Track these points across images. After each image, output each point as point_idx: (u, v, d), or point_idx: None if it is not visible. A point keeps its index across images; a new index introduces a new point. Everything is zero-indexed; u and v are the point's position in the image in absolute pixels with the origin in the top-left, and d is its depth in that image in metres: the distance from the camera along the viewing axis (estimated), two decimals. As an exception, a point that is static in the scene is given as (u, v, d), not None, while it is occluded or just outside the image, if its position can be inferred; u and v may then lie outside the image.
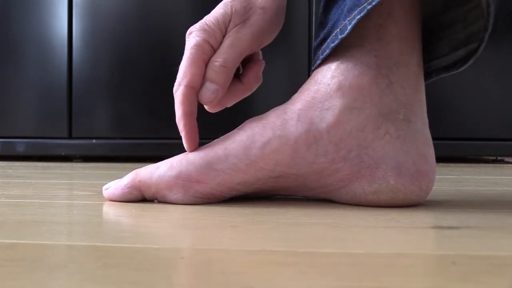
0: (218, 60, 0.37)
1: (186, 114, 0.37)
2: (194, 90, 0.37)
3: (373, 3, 0.33)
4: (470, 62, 0.37)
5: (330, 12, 0.37)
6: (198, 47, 0.37)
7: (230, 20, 0.37)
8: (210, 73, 0.37)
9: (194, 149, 0.37)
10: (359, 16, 0.33)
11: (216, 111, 0.41)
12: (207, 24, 0.37)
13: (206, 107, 0.40)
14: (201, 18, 0.40)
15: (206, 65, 0.37)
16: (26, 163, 0.88)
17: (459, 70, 0.38)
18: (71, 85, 0.97)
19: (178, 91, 0.37)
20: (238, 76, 0.41)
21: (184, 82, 0.37)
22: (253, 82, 0.40)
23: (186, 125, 0.37)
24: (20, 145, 0.96)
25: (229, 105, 0.41)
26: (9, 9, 0.96)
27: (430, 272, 0.20)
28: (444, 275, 0.19)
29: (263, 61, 0.41)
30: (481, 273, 0.19)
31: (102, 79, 0.97)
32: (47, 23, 0.96)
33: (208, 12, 0.40)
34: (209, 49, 0.37)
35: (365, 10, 0.33)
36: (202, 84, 0.37)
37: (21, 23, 0.96)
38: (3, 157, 0.98)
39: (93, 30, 0.96)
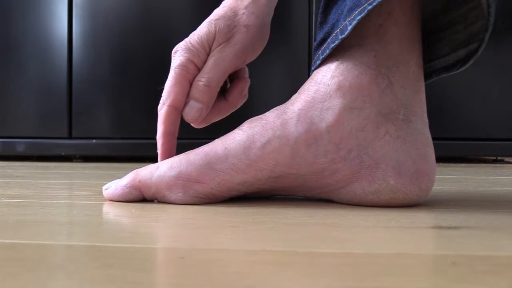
0: (202, 79, 0.38)
1: (166, 133, 0.39)
2: (177, 109, 0.39)
3: (374, 4, 0.33)
4: (471, 62, 0.37)
5: (330, 12, 0.37)
6: (183, 67, 0.38)
7: (214, 39, 0.38)
8: (195, 92, 0.38)
9: None
10: (359, 17, 0.33)
11: (201, 127, 0.42)
12: (191, 43, 0.38)
13: (192, 124, 0.41)
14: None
15: (191, 84, 0.39)
16: (26, 163, 0.88)
17: (459, 70, 0.38)
18: (71, 85, 0.97)
19: (162, 110, 0.39)
20: (223, 92, 0.42)
21: (168, 102, 0.38)
22: (237, 99, 0.42)
23: (164, 144, 0.39)
24: (20, 145, 0.96)
25: (215, 120, 0.42)
26: (9, 9, 0.96)
27: (430, 272, 0.20)
28: (444, 275, 0.19)
29: (248, 79, 0.42)
30: (481, 273, 0.19)
31: (102, 79, 0.97)
32: (47, 23, 0.97)
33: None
34: (193, 68, 0.38)
35: (365, 11, 0.33)
36: (186, 103, 0.39)
37: (21, 23, 0.96)
38: (3, 157, 0.98)
39: (93, 30, 0.97)
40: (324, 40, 0.37)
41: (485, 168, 0.87)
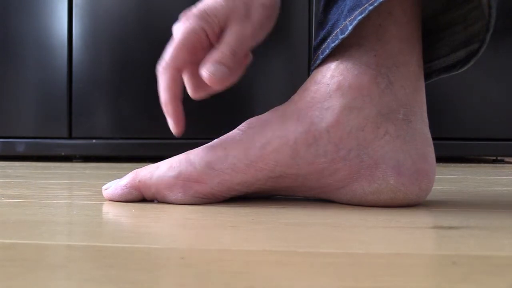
0: (227, 47, 0.35)
1: (176, 97, 0.37)
2: (181, 74, 0.37)
3: (375, 4, 0.33)
4: (471, 63, 0.37)
5: (330, 11, 0.37)
6: (195, 33, 0.36)
7: (231, 13, 0.36)
8: (219, 55, 0.35)
9: (182, 131, 0.37)
10: (360, 17, 0.33)
11: (200, 97, 0.40)
12: (207, 13, 0.36)
13: (190, 92, 0.40)
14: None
15: (196, 54, 0.37)
16: (26, 163, 0.88)
17: (460, 71, 0.38)
18: (71, 85, 0.97)
19: (166, 73, 0.36)
20: None
21: (173, 65, 0.36)
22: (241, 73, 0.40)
23: (176, 109, 0.37)
24: (20, 145, 0.96)
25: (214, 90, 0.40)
26: (9, 9, 0.96)
27: (430, 272, 0.20)
28: (444, 275, 0.19)
29: (251, 55, 0.41)
30: (481, 273, 0.19)
31: (102, 79, 0.97)
32: (47, 23, 0.96)
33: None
34: (205, 38, 0.36)
35: (366, 11, 0.33)
36: (208, 64, 0.35)
37: (21, 23, 0.96)
38: (3, 157, 0.98)
39: (93, 30, 0.97)
40: (324, 39, 0.37)
41: (485, 168, 0.87)
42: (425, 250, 0.24)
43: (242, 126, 0.37)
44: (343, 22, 0.34)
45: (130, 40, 0.96)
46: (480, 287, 0.18)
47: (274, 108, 0.37)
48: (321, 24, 0.38)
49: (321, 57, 0.36)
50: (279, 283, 0.18)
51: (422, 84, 0.36)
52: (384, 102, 0.35)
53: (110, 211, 0.34)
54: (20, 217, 0.31)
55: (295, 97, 0.37)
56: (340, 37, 0.34)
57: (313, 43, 0.39)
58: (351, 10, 0.34)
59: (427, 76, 0.39)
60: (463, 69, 0.38)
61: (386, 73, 0.35)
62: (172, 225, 0.29)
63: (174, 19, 0.39)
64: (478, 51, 0.36)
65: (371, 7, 0.33)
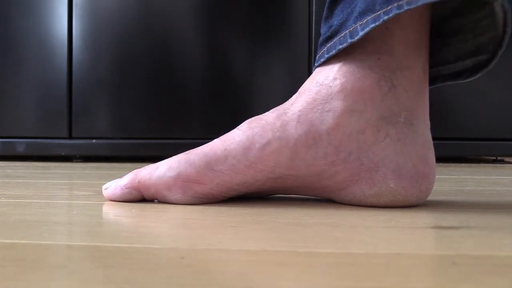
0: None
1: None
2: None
3: (390, 14, 0.32)
4: (479, 74, 0.36)
5: (337, 7, 0.36)
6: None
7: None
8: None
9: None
10: (373, 25, 0.32)
11: None
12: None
13: None
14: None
15: None
16: (26, 163, 0.88)
17: (466, 80, 0.37)
18: (71, 85, 0.96)
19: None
20: None
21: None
22: None
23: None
24: (20, 145, 0.96)
25: None
26: (9, 9, 0.96)
27: (430, 272, 0.20)
28: (444, 275, 0.19)
29: None
30: (481, 273, 0.19)
31: (102, 79, 0.97)
32: (47, 23, 0.96)
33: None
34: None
35: (380, 20, 0.32)
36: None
37: (21, 23, 0.96)
38: (3, 157, 0.98)
39: (93, 30, 0.96)
40: (331, 37, 0.36)
41: (485, 168, 0.87)
42: (425, 250, 0.24)
43: (242, 126, 0.37)
44: (353, 25, 0.34)
45: (130, 39, 0.96)
46: (480, 287, 0.18)
47: (274, 109, 0.37)
48: (327, 19, 0.37)
49: (326, 55, 0.36)
50: (279, 283, 0.18)
51: (426, 88, 0.36)
52: (386, 105, 0.34)
53: (110, 211, 0.34)
54: (20, 217, 0.31)
55: (296, 97, 0.37)
56: (349, 40, 0.34)
57: (319, 38, 0.38)
58: (363, 13, 0.33)
59: (432, 80, 0.39)
60: (470, 79, 0.37)
61: (389, 76, 0.34)
62: (172, 225, 0.29)
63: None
64: (488, 63, 0.36)
65: (386, 17, 0.32)
